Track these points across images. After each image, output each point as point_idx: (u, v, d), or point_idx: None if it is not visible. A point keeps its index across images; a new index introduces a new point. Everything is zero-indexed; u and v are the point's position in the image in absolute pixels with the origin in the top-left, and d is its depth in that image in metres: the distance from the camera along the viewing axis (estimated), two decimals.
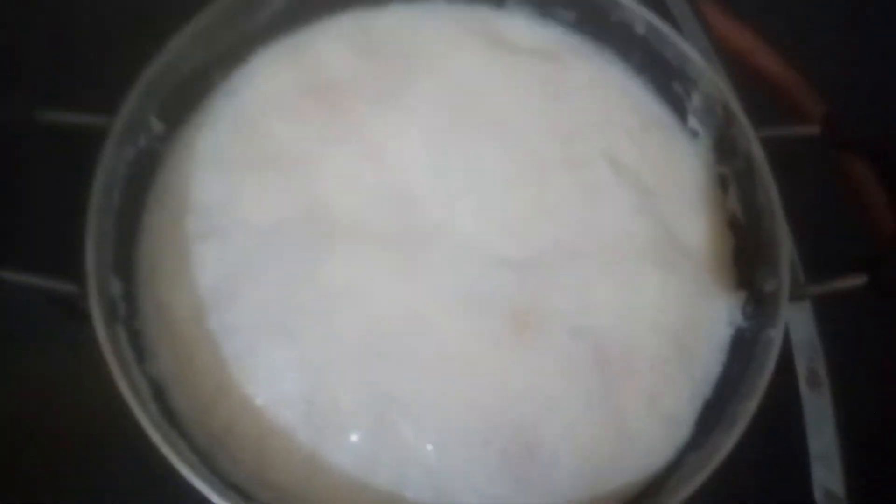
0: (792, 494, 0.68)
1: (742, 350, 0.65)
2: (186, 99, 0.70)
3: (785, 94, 0.92)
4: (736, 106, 0.68)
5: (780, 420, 0.64)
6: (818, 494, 0.66)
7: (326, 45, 0.76)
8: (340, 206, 0.68)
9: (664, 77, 0.74)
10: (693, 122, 0.73)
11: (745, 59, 0.94)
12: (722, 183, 0.72)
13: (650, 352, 0.65)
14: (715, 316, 0.67)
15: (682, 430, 0.63)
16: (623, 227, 0.69)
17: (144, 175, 0.67)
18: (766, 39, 0.94)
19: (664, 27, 0.72)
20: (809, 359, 0.72)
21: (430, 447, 0.60)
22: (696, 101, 0.72)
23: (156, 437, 0.53)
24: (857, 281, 0.64)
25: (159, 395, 0.61)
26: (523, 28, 0.79)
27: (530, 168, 0.71)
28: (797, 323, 0.72)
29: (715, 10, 0.94)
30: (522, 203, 0.69)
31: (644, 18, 0.72)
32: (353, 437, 0.60)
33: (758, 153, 0.66)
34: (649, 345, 0.65)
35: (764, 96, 0.91)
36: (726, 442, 0.57)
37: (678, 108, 0.74)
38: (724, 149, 0.71)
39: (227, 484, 0.57)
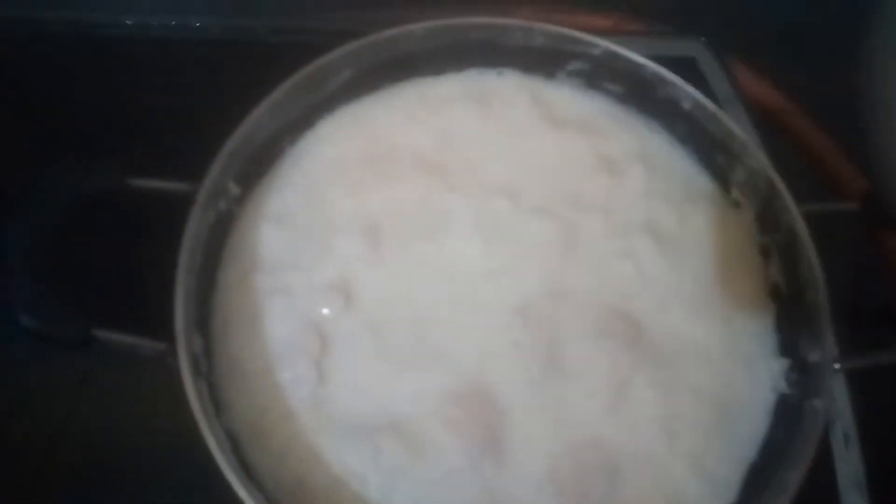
0: None
1: (787, 416, 0.68)
2: (260, 164, 0.75)
3: (819, 161, 0.95)
4: (779, 182, 0.71)
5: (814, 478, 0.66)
6: None
7: (385, 113, 0.81)
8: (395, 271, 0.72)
9: (708, 149, 0.78)
10: (736, 193, 0.77)
11: (777, 120, 0.97)
12: (764, 252, 0.75)
13: (689, 413, 0.68)
14: (756, 381, 0.70)
15: (728, 493, 0.66)
16: (664, 293, 0.72)
17: (221, 235, 0.72)
18: (798, 102, 0.97)
19: (710, 104, 0.76)
20: (842, 421, 0.74)
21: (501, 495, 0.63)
22: (739, 174, 0.76)
23: (242, 493, 0.56)
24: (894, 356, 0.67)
25: (234, 446, 0.64)
26: (570, 99, 0.83)
27: (576, 241, 0.74)
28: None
29: (746, 71, 0.97)
30: (570, 272, 0.73)
31: (691, 95, 0.77)
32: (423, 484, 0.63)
33: (801, 229, 0.69)
34: (687, 406, 0.68)
35: (797, 160, 0.94)
36: None
37: (721, 179, 0.78)
38: (767, 220, 0.74)
39: None
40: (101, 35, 0.86)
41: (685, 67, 0.77)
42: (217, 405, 0.65)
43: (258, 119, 0.71)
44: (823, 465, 0.72)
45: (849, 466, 0.73)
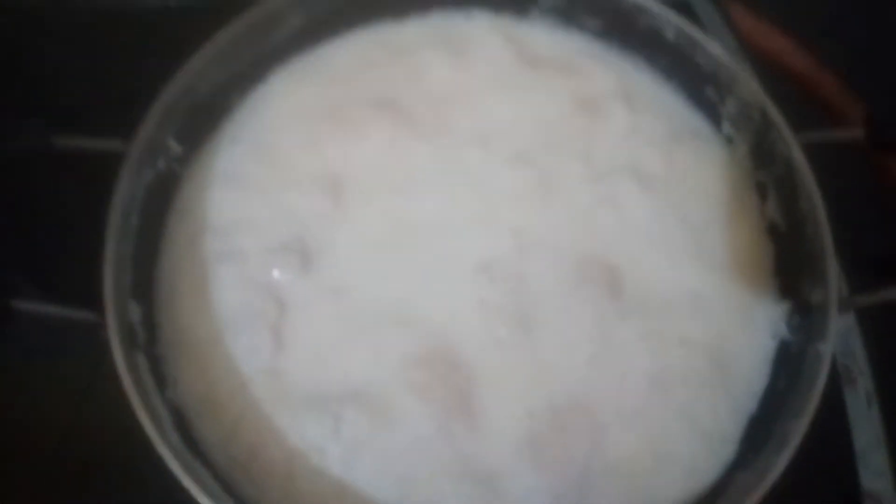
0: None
1: (788, 364, 0.62)
2: (205, 121, 0.69)
3: (820, 96, 0.89)
4: (774, 111, 0.65)
5: (825, 423, 0.60)
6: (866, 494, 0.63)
7: (344, 62, 0.75)
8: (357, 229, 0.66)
9: (695, 83, 0.72)
10: (727, 128, 0.71)
11: (776, 60, 0.91)
12: (759, 190, 0.69)
13: (680, 366, 0.62)
14: (754, 328, 0.64)
15: (726, 449, 0.60)
16: (649, 239, 0.67)
17: (163, 197, 0.66)
18: (797, 40, 0.92)
19: (695, 32, 0.70)
20: (845, 357, 0.68)
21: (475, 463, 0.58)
22: (730, 106, 0.70)
23: (177, 469, 0.51)
24: None
25: (181, 422, 0.59)
26: (546, 38, 0.77)
27: (552, 189, 0.68)
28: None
29: (743, 11, 0.91)
30: (545, 222, 0.67)
31: (673, 24, 0.70)
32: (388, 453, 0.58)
33: (799, 159, 0.63)
34: (678, 358, 0.62)
35: (797, 99, 0.88)
36: (778, 462, 0.54)
37: (711, 114, 0.72)
38: (762, 155, 0.68)
39: None
40: None
41: (679, 9, 0.70)
42: (163, 379, 0.60)
43: (198, 68, 0.66)
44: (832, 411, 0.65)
45: (859, 410, 0.66)
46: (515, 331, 0.62)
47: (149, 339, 0.60)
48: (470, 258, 0.64)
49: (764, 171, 0.68)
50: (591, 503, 0.58)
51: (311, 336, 0.62)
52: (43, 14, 0.71)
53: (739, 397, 0.62)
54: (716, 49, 0.69)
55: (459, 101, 0.72)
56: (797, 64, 0.92)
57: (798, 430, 0.54)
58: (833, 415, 0.64)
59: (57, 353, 0.61)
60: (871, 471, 0.63)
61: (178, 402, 0.60)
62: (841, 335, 0.67)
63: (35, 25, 0.72)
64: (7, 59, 0.72)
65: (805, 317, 0.62)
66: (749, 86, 0.67)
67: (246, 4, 0.69)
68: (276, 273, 0.63)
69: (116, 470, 0.63)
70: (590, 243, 0.66)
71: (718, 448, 0.60)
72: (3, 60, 0.72)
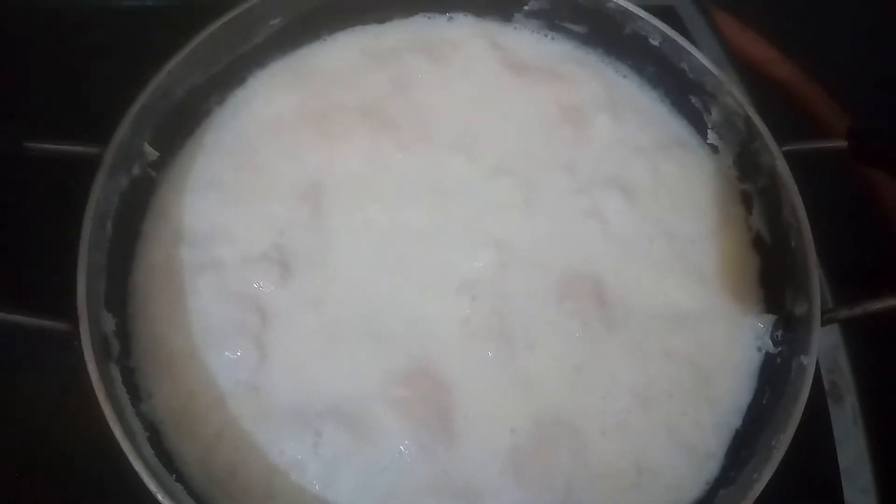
0: None
1: (772, 377, 0.61)
2: (182, 125, 0.68)
3: (805, 106, 0.89)
4: (758, 120, 0.65)
5: (810, 439, 0.60)
6: None
7: (325, 67, 0.73)
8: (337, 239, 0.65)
9: (681, 91, 0.71)
10: (713, 137, 0.70)
11: (762, 70, 0.91)
12: (745, 201, 0.68)
13: (663, 379, 0.61)
14: (739, 341, 0.64)
15: (710, 464, 0.60)
16: (634, 252, 0.66)
17: (138, 204, 0.65)
18: (783, 50, 0.92)
19: (681, 39, 0.69)
20: (832, 374, 0.68)
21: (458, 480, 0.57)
22: (715, 115, 0.69)
23: (152, 486, 0.49)
24: (889, 303, 0.60)
25: (156, 437, 0.57)
26: (530, 43, 0.76)
27: (536, 201, 0.67)
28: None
29: (729, 19, 0.91)
30: (529, 235, 0.66)
31: (659, 29, 0.69)
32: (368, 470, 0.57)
33: (783, 169, 0.63)
34: (662, 371, 0.62)
35: (782, 109, 0.88)
36: (761, 477, 0.53)
37: (697, 123, 0.71)
38: (747, 165, 0.67)
39: None
40: None
41: (664, 17, 0.70)
42: (137, 393, 0.58)
43: (175, 71, 0.64)
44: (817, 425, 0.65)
45: (844, 425, 0.66)
46: (499, 348, 0.61)
47: (122, 350, 0.59)
48: (453, 275, 0.63)
49: (749, 182, 0.68)
50: None
51: (292, 349, 0.60)
52: (14, 15, 0.69)
53: (724, 411, 0.61)
54: (701, 56, 0.68)
55: (442, 109, 0.71)
56: (782, 73, 0.91)
57: (781, 444, 0.54)
58: (818, 431, 0.64)
59: (26, 365, 0.59)
60: (856, 487, 0.63)
61: (152, 417, 0.58)
62: (828, 351, 0.67)
63: (7, 26, 0.70)
64: None
65: (789, 329, 0.61)
66: (733, 94, 0.67)
67: (225, 5, 0.68)
68: (255, 284, 0.62)
69: (87, 483, 0.62)
70: (574, 256, 0.65)
71: (702, 463, 0.60)
72: None
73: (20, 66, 0.70)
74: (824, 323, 0.59)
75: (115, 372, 0.56)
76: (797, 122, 0.86)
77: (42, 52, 0.72)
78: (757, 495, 0.53)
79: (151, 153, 0.64)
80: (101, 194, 0.58)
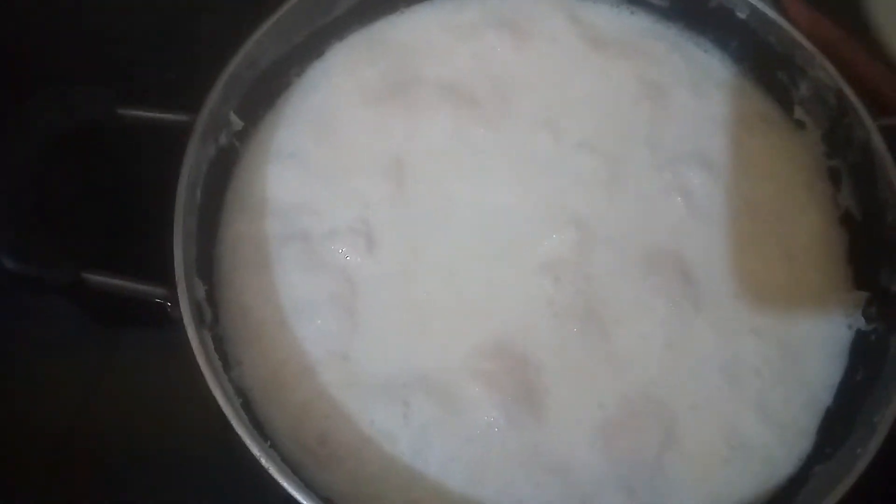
0: None
1: (867, 355, 0.60)
2: (265, 96, 0.68)
3: (869, 86, 0.87)
4: (852, 94, 0.63)
5: None
6: None
7: (403, 40, 0.73)
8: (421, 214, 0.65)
9: (767, 65, 0.70)
10: (799, 112, 0.69)
11: (829, 50, 0.89)
12: (832, 176, 0.67)
13: (752, 356, 0.60)
14: (828, 318, 0.63)
15: (803, 441, 0.59)
16: (718, 228, 0.65)
17: (223, 173, 0.65)
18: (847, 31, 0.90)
19: (770, 11, 0.67)
20: None
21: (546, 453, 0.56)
22: (803, 89, 0.68)
23: (255, 449, 0.49)
24: None
25: (246, 403, 0.57)
26: (610, 17, 0.75)
27: (619, 177, 0.66)
28: None
29: (802, 8, 0.89)
30: (612, 212, 0.65)
31: (748, 2, 0.68)
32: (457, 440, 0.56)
33: (878, 144, 0.62)
34: (749, 348, 0.61)
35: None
36: (865, 452, 0.52)
37: (782, 98, 0.70)
38: (837, 140, 0.66)
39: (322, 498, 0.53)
40: None
41: None
42: (226, 359, 0.59)
43: (261, 41, 0.64)
44: None
45: None
46: (585, 326, 0.60)
47: (213, 318, 0.59)
48: (537, 252, 0.63)
49: (838, 158, 0.67)
50: (663, 493, 0.57)
51: (379, 320, 0.60)
52: None
53: (814, 389, 0.61)
54: (791, 29, 0.67)
55: (523, 85, 0.70)
56: (847, 54, 0.90)
57: (886, 419, 0.53)
58: None
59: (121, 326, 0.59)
60: None
61: (241, 384, 0.58)
62: None
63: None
64: (76, 31, 0.70)
65: (885, 306, 0.60)
66: (826, 67, 0.66)
67: None
68: (344, 256, 0.62)
69: (122, 462, 0.62)
70: (658, 233, 0.64)
71: (794, 440, 0.59)
72: (72, 32, 0.70)
73: (114, 32, 0.70)
74: None
75: (208, 338, 0.56)
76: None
77: (133, 20, 0.72)
78: (861, 471, 0.52)
79: (237, 122, 0.64)
80: (194, 161, 0.58)
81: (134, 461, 0.62)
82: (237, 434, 0.50)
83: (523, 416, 0.58)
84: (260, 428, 0.57)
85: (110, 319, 0.64)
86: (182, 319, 0.53)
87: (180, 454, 0.62)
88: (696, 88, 0.71)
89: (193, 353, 0.52)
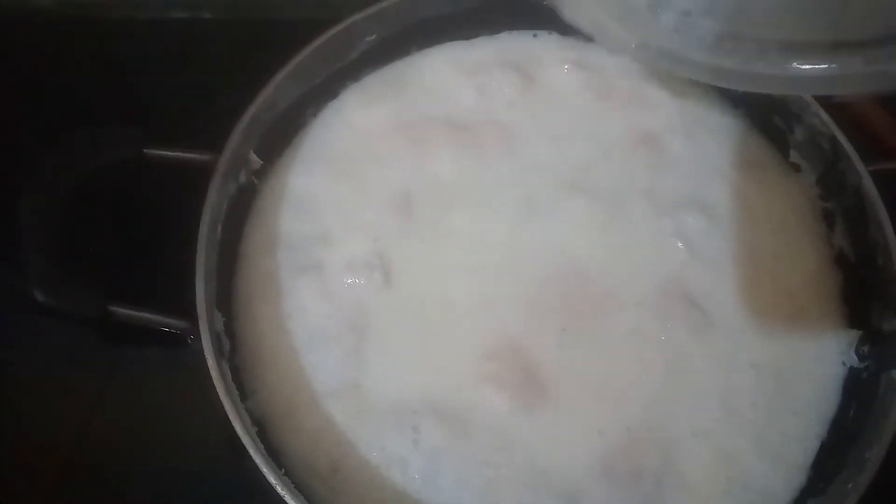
0: None
1: (859, 391, 0.62)
2: (282, 135, 0.71)
3: (866, 128, 0.89)
4: (845, 140, 0.66)
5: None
6: None
7: (416, 79, 0.76)
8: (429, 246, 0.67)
9: (764, 111, 0.73)
10: (795, 156, 0.72)
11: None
12: (826, 218, 0.70)
13: (749, 389, 0.63)
14: (823, 355, 0.65)
15: (798, 474, 0.61)
16: (718, 269, 0.67)
17: (242, 209, 0.68)
18: None
19: None
20: None
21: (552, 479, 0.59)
22: (798, 134, 0.71)
23: (271, 477, 0.52)
24: None
25: (261, 432, 0.60)
26: (612, 62, 0.78)
27: (615, 223, 0.69)
28: None
29: None
30: (606, 254, 0.68)
31: None
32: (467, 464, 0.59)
33: (870, 189, 0.64)
34: (747, 381, 0.63)
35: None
36: (857, 487, 0.54)
37: (778, 142, 0.73)
38: (830, 184, 0.69)
39: None
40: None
41: None
42: (242, 388, 0.61)
43: (281, 84, 0.67)
44: None
45: None
46: (588, 356, 0.63)
47: (231, 347, 0.61)
48: (533, 287, 0.65)
49: (832, 200, 0.69)
50: None
51: (391, 348, 0.63)
52: (138, 29, 0.73)
53: (809, 423, 0.62)
54: None
55: (526, 126, 0.73)
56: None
57: (876, 457, 0.55)
58: None
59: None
60: None
61: (255, 413, 0.61)
62: None
63: (131, 41, 0.74)
64: (108, 72, 0.74)
65: (877, 345, 0.62)
66: (819, 114, 0.68)
67: (321, 23, 0.71)
68: (355, 286, 0.64)
69: (125, 476, 0.64)
70: (659, 273, 0.67)
71: (790, 473, 0.61)
72: (104, 73, 0.74)
73: (138, 77, 0.74)
74: None
75: (226, 369, 0.59)
76: (861, 144, 0.87)
77: (158, 64, 0.76)
78: None
79: (256, 161, 0.67)
80: (216, 199, 0.61)
81: (139, 478, 0.65)
82: (252, 461, 0.53)
83: (529, 438, 0.60)
84: (274, 455, 0.59)
85: (119, 339, 0.65)
86: (203, 350, 0.55)
87: (187, 473, 0.65)
88: (694, 135, 0.73)
89: (210, 377, 0.54)
